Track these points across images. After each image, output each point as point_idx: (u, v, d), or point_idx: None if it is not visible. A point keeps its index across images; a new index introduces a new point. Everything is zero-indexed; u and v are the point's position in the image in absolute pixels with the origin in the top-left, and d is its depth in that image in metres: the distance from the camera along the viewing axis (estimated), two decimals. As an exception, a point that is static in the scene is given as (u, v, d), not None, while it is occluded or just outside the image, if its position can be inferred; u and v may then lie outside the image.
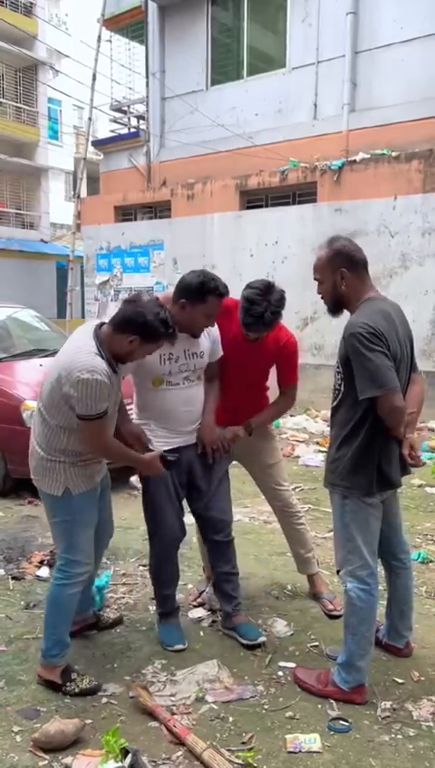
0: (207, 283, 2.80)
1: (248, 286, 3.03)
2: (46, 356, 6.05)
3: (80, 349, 2.51)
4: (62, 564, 2.71)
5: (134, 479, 5.66)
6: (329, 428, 2.78)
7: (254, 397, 3.35)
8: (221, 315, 3.02)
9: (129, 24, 13.02)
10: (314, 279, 2.69)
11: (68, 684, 2.68)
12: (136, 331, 2.50)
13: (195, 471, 3.08)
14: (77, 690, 2.67)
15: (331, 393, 2.72)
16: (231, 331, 3.15)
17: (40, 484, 2.69)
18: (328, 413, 2.89)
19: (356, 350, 2.42)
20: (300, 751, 2.34)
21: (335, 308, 2.68)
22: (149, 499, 3.05)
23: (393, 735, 2.45)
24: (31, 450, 2.72)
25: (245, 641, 3.07)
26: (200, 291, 2.79)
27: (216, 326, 3.09)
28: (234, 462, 3.51)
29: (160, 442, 2.97)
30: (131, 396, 3.07)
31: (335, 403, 2.66)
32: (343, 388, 2.58)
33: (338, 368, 2.60)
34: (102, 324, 2.60)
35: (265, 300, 2.95)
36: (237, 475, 3.66)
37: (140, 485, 5.49)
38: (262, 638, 3.08)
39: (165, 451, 2.88)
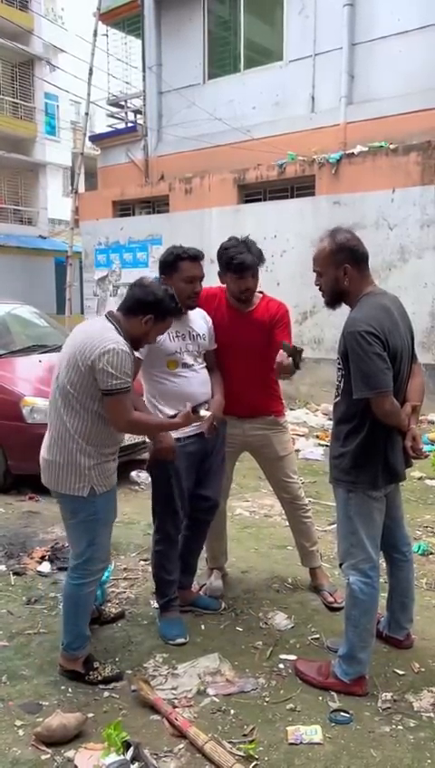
0: (174, 251, 3.00)
1: (222, 245, 3.21)
2: (45, 352, 6.06)
3: (99, 329, 2.57)
4: (81, 563, 2.68)
5: (134, 474, 5.68)
6: (332, 423, 2.77)
7: (262, 380, 3.28)
8: (207, 301, 3.17)
9: (125, 18, 12.97)
10: (314, 270, 2.66)
11: (90, 673, 2.71)
12: (149, 310, 2.58)
13: (209, 454, 3.17)
14: (100, 678, 2.70)
15: (331, 387, 2.72)
16: (220, 314, 3.25)
17: (61, 488, 2.62)
18: (328, 406, 2.89)
19: (353, 349, 2.42)
20: (301, 742, 2.35)
21: (334, 302, 2.67)
22: (167, 483, 3.03)
23: (394, 726, 2.46)
24: (45, 455, 2.65)
25: (210, 612, 3.31)
26: (171, 261, 2.98)
27: (209, 319, 3.18)
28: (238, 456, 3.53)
29: (183, 430, 2.99)
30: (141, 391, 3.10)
31: (337, 399, 2.65)
32: (343, 384, 2.57)
33: (339, 363, 2.59)
34: (111, 312, 2.66)
35: (242, 243, 3.14)
36: (238, 469, 3.67)
37: (141, 480, 5.55)
38: (223, 605, 3.38)
39: (188, 437, 3.00)
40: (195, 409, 2.76)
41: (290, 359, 2.82)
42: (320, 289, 2.68)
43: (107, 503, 2.68)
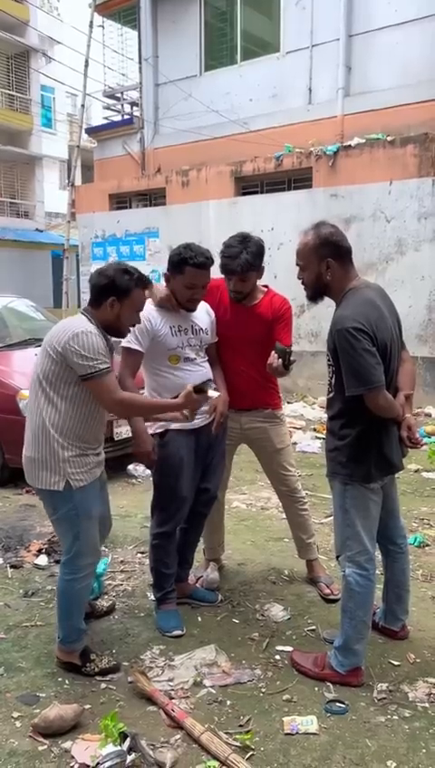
0: (183, 253, 2.91)
1: (224, 242, 3.18)
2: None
3: (70, 320, 2.64)
4: (70, 558, 2.68)
5: (131, 467, 5.69)
6: (327, 417, 2.78)
7: (260, 374, 3.23)
8: (210, 293, 3.14)
9: (121, 9, 12.91)
10: (297, 264, 2.67)
11: (87, 665, 2.73)
12: (109, 293, 2.56)
13: (210, 448, 3.16)
14: (97, 670, 2.72)
15: (326, 381, 2.72)
16: (223, 306, 3.24)
17: (39, 483, 2.62)
18: (325, 400, 2.89)
19: (343, 347, 2.42)
20: (297, 733, 2.37)
21: (316, 296, 2.67)
22: (173, 477, 3.02)
23: (389, 716, 2.47)
24: (24, 452, 2.66)
25: (206, 604, 3.32)
26: (177, 263, 2.92)
27: (212, 312, 3.19)
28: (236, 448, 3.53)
29: (186, 424, 2.97)
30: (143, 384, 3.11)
31: (331, 394, 2.65)
32: (334, 380, 2.57)
33: (329, 359, 2.60)
34: (84, 308, 2.69)
35: (242, 243, 3.10)
36: (236, 462, 3.67)
37: (138, 473, 5.55)
38: (220, 597, 3.38)
39: (192, 431, 2.97)
40: (199, 388, 2.60)
41: (280, 360, 2.83)
42: (302, 283, 2.68)
43: (85, 496, 2.63)
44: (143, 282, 2.64)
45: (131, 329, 2.83)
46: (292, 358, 2.85)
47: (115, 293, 2.56)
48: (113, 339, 2.69)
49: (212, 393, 2.64)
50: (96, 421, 2.65)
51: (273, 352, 2.85)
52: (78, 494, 2.60)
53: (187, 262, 2.89)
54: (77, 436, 2.58)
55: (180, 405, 2.63)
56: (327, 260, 2.55)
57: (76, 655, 2.75)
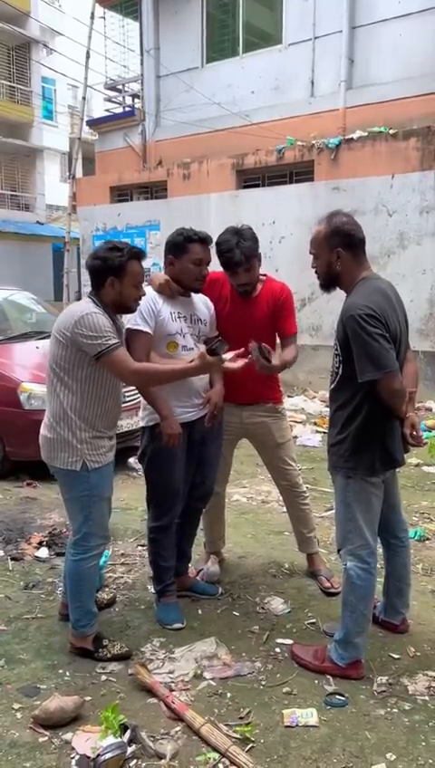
0: (185, 233, 2.97)
1: (217, 240, 3.19)
2: (43, 338, 6.02)
3: (75, 305, 2.73)
4: (79, 538, 2.74)
5: (132, 460, 5.68)
6: (329, 411, 2.77)
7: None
8: (210, 287, 3.14)
9: (123, 1, 12.82)
10: (310, 253, 2.67)
11: (100, 650, 2.76)
12: (106, 273, 2.63)
13: (205, 442, 3.15)
14: (109, 656, 2.75)
15: (329, 373, 2.71)
16: (223, 299, 3.24)
17: (57, 462, 2.69)
18: (326, 394, 2.88)
19: (356, 332, 2.40)
20: (297, 725, 2.37)
21: (328, 284, 2.67)
22: (166, 470, 3.02)
23: (389, 709, 2.48)
24: (43, 432, 2.73)
25: (207, 597, 3.33)
26: (180, 242, 2.95)
27: (211, 305, 3.18)
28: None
29: (178, 417, 2.97)
30: None
31: (334, 385, 2.64)
32: (341, 371, 2.56)
33: (336, 350, 2.58)
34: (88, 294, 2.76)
35: (236, 235, 3.12)
36: (236, 455, 3.67)
37: (138, 467, 5.55)
38: (220, 590, 3.38)
39: (185, 423, 2.97)
40: (212, 351, 2.56)
41: (261, 359, 2.84)
42: (315, 272, 2.69)
43: (101, 478, 2.70)
44: (135, 254, 2.68)
45: (138, 309, 2.88)
46: (264, 346, 2.87)
47: (111, 272, 2.62)
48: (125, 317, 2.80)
49: (226, 357, 2.62)
50: (113, 401, 2.71)
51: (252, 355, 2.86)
52: (94, 475, 2.68)
53: (190, 239, 2.94)
54: (94, 418, 2.66)
55: (198, 368, 2.61)
56: (337, 249, 2.54)
57: (89, 640, 2.79)
